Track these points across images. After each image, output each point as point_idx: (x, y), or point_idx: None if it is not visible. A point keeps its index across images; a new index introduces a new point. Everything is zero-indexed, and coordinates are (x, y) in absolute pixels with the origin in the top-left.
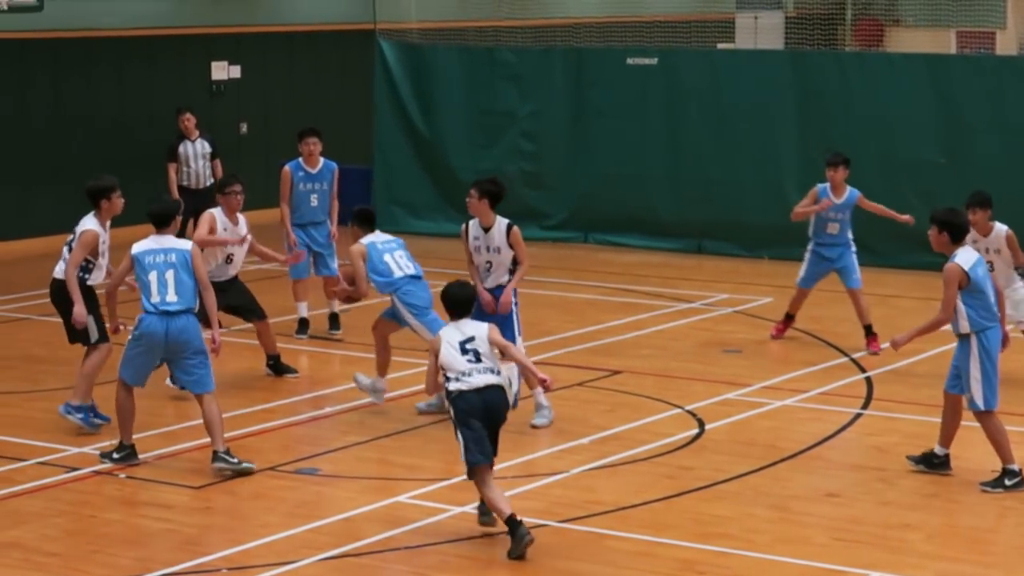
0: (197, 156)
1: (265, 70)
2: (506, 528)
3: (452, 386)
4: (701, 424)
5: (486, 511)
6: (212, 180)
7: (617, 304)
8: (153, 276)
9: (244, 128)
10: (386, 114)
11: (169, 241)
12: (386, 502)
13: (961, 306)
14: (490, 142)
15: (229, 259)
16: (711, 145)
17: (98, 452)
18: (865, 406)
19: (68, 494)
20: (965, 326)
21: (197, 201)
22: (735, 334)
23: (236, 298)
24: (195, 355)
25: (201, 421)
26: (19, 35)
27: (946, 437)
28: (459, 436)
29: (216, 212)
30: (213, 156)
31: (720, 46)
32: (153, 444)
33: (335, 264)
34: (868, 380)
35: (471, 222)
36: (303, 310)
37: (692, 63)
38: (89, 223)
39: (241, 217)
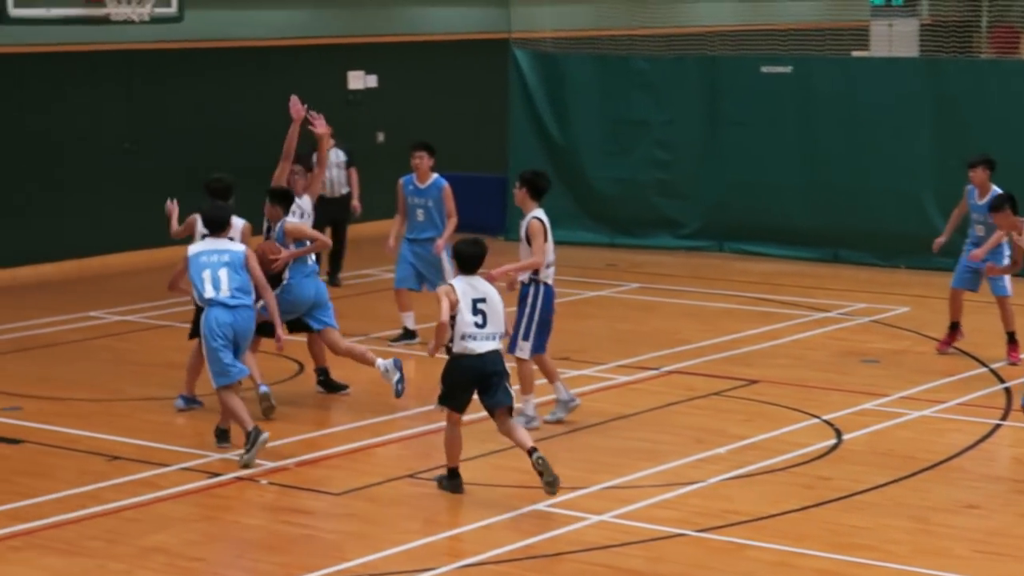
0: (332, 165)
1: (401, 79)
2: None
3: (456, 344)
4: (839, 434)
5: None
6: (347, 189)
7: (753, 313)
8: (207, 273)
9: (381, 137)
10: (521, 123)
11: (223, 243)
12: (524, 510)
13: None
14: (624, 151)
15: None
16: (846, 153)
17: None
18: (1004, 417)
19: (211, 499)
20: None
21: (332, 209)
22: (872, 344)
23: None
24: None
25: (340, 427)
26: (158, 45)
27: None
28: (443, 384)
29: None
30: (348, 165)
31: (855, 54)
32: (294, 450)
33: (442, 281)
34: (1007, 391)
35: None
36: (408, 320)
37: (826, 71)
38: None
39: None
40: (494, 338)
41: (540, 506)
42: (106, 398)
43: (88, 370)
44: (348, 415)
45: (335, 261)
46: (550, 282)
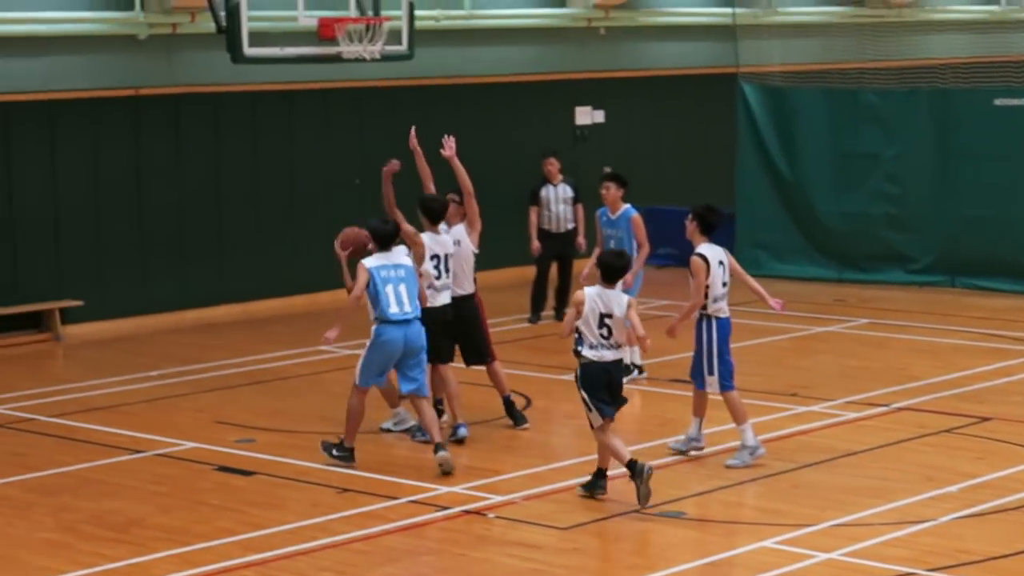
0: (558, 200)
1: (628, 114)
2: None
3: (584, 352)
4: None
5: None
6: (573, 224)
7: (985, 349)
8: (389, 289)
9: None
10: (748, 157)
11: (395, 257)
12: (752, 547)
13: None
14: (853, 185)
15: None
16: None
17: (321, 443)
18: None
19: (438, 532)
20: None
21: (558, 244)
22: None
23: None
24: (420, 359)
25: (567, 462)
26: (388, 83)
27: None
28: (583, 396)
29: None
30: (575, 200)
31: None
32: (520, 485)
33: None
34: None
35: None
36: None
37: None
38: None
39: (452, 229)
40: (617, 347)
41: (768, 543)
42: (337, 431)
43: (319, 403)
44: (574, 449)
45: (560, 297)
46: (722, 315)
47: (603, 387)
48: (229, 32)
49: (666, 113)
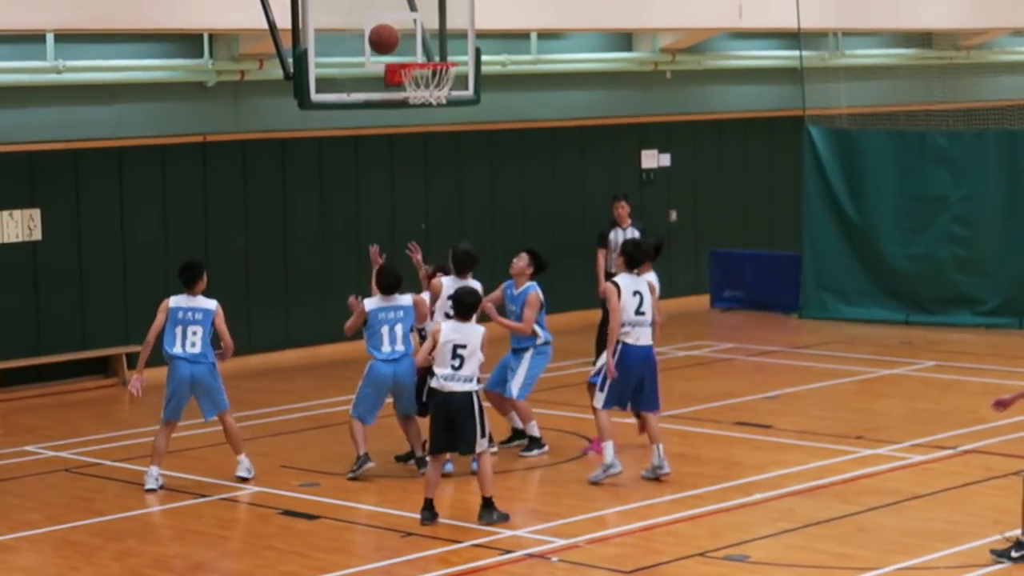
0: None
1: (695, 158)
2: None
3: (433, 382)
4: None
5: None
6: None
7: None
8: (385, 329)
9: (674, 216)
10: (815, 199)
11: (396, 300)
12: None
13: None
14: (922, 227)
15: None
16: None
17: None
18: None
19: None
20: None
21: None
22: None
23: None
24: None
25: (630, 505)
26: (455, 127)
27: None
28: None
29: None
30: None
31: None
32: (584, 528)
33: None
34: None
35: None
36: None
37: None
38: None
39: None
40: (468, 380)
41: None
42: (403, 475)
43: (384, 446)
44: (637, 493)
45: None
46: (629, 341)
47: (441, 420)
48: (296, 78)
49: (732, 156)
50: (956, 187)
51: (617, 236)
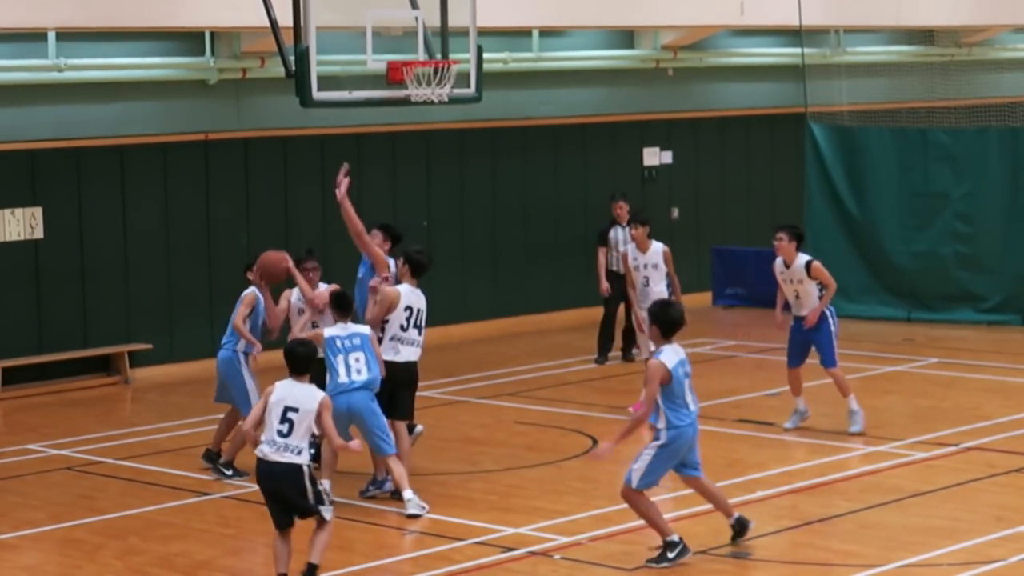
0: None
1: (696, 155)
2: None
3: (258, 449)
4: None
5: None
6: None
7: None
8: (340, 359)
9: (675, 213)
10: (817, 196)
11: (353, 327)
12: None
13: None
14: (923, 224)
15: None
16: None
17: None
18: None
19: (504, 574)
20: None
21: (623, 284)
22: None
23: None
24: (369, 422)
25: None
26: (457, 125)
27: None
28: None
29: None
30: None
31: None
32: (586, 526)
33: None
34: None
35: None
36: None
37: None
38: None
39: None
40: (294, 451)
41: None
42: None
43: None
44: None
45: (627, 338)
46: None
47: (267, 495)
48: (298, 76)
49: (734, 153)
50: (958, 184)
51: (616, 234)
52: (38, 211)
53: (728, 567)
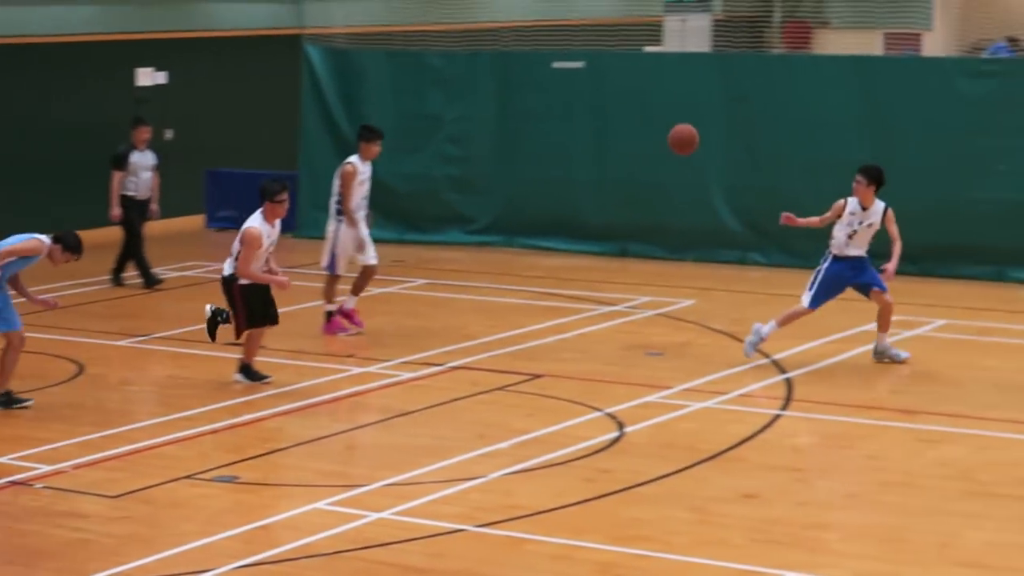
0: (149, 167)
1: (192, 76)
2: None
3: None
4: (621, 427)
5: None
6: (150, 192)
7: (540, 308)
8: None
9: (169, 134)
10: (312, 119)
11: None
12: (304, 508)
13: None
14: (416, 147)
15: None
16: (637, 148)
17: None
18: (784, 407)
19: None
20: None
21: (143, 210)
22: (657, 336)
23: None
24: None
25: (118, 429)
26: None
27: None
28: None
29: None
30: (156, 168)
31: (647, 49)
32: (70, 453)
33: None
34: (788, 381)
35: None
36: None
37: (619, 66)
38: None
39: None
40: None
41: (321, 504)
42: None
43: None
44: (126, 417)
45: (141, 264)
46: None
47: None
48: None
49: (231, 75)
50: (451, 107)
51: (136, 159)
52: None
53: (213, 491)
